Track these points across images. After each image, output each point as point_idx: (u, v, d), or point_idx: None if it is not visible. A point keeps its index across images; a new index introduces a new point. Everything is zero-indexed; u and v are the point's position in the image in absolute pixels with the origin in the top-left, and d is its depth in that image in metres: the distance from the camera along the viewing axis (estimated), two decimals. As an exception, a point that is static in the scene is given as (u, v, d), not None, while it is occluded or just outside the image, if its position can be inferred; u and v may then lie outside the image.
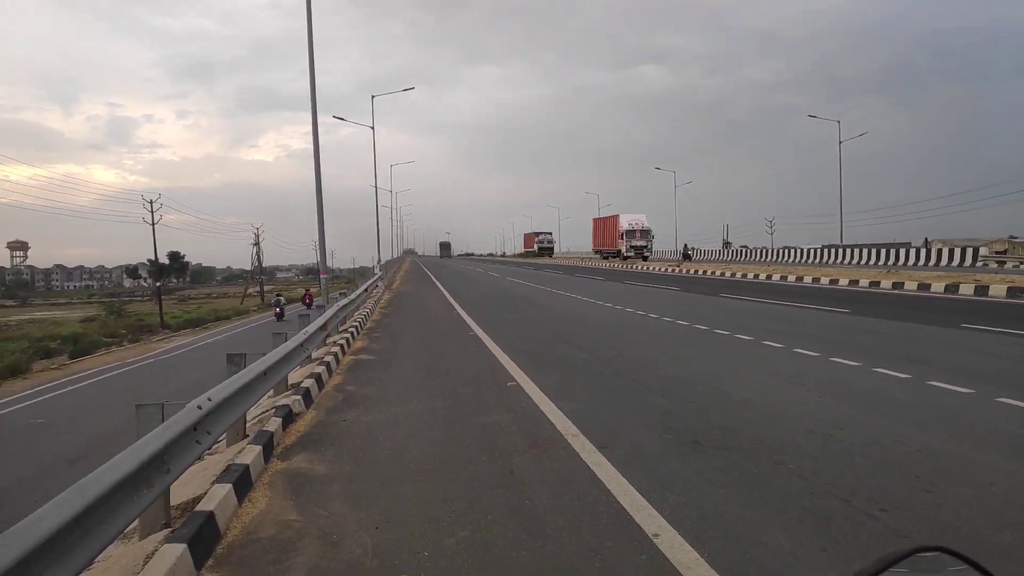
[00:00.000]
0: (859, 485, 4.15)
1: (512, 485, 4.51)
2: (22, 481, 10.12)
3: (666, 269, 41.35)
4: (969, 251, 36.56)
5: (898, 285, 20.74)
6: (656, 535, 3.56)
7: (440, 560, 3.43)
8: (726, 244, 78.14)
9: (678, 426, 5.74)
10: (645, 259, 54.27)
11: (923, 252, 39.82)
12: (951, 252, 37.55)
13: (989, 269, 30.13)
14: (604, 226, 63.15)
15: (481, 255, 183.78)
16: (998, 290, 17.36)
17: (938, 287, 19.18)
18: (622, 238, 57.09)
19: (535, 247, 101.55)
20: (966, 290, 18.22)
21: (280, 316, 35.53)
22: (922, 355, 8.77)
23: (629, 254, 56.30)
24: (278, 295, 42.18)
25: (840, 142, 41.81)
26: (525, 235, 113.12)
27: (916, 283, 20.30)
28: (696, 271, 36.79)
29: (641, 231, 57.16)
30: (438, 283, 34.68)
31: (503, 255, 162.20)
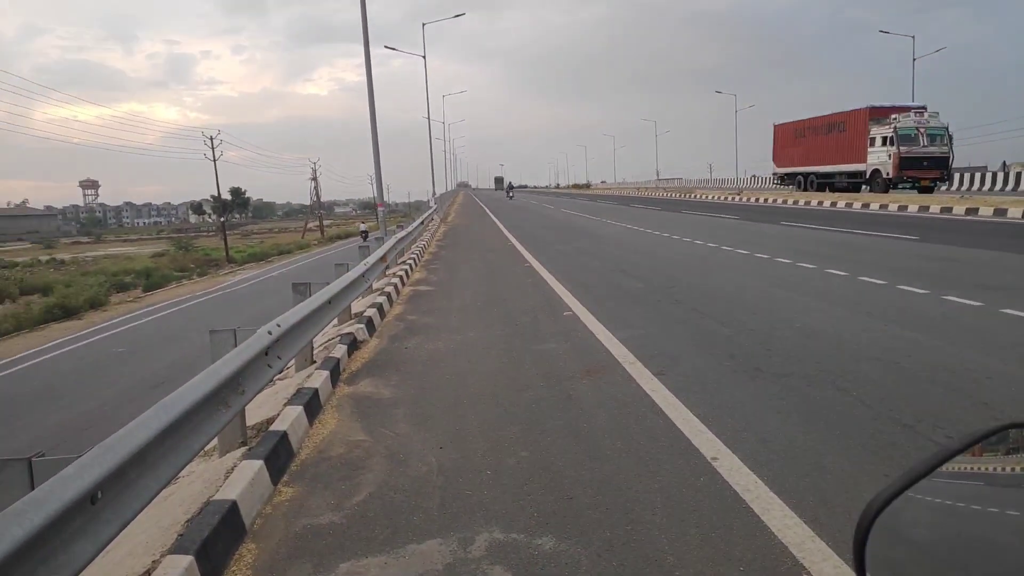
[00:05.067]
0: (925, 411, 4.08)
1: (570, 409, 4.59)
2: (107, 406, 10.81)
3: (725, 198, 40.33)
4: (1053, 173, 34.41)
5: (972, 211, 19.76)
6: (715, 459, 3.60)
7: (502, 478, 3.55)
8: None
9: (738, 353, 5.71)
10: (930, 190, 29.79)
11: (1001, 176, 37.71)
12: (1033, 175, 35.38)
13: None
14: (814, 131, 36.19)
15: (536, 187, 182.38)
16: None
17: (1015, 212, 18.20)
18: (881, 144, 30.50)
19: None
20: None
21: (365, 237, 36.91)
22: (996, 282, 8.42)
23: (900, 178, 29.92)
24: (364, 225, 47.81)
25: (914, 59, 39.22)
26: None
27: (992, 208, 19.30)
28: (756, 199, 35.76)
29: (930, 133, 29.84)
30: (493, 216, 34.66)
31: (557, 187, 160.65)
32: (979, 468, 0.90)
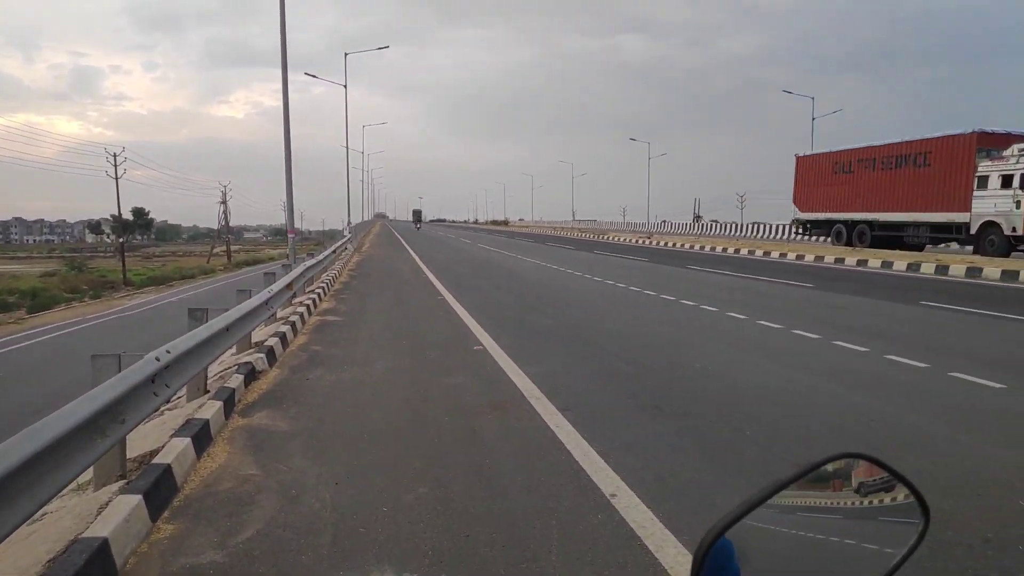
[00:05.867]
0: (815, 451, 4.24)
1: (474, 444, 4.53)
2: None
3: (636, 240, 41.58)
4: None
5: (863, 262, 21.11)
6: (613, 495, 3.62)
7: (399, 515, 3.44)
8: (697, 218, 78.76)
9: (640, 391, 5.81)
10: None
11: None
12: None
13: (950, 249, 30.86)
14: (870, 164, 26.98)
15: (454, 221, 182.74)
16: (958, 270, 17.77)
17: (900, 265, 19.57)
18: (999, 186, 21.20)
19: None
20: (927, 269, 18.61)
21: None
22: (882, 329, 8.97)
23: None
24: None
25: (813, 119, 41.97)
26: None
27: (880, 260, 20.68)
28: (665, 243, 37.05)
29: None
30: (408, 247, 34.45)
31: (476, 222, 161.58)
32: (810, 496, 0.95)
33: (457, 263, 23.51)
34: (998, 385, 5.85)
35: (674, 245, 35.47)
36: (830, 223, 29.33)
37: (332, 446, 4.58)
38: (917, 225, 24.76)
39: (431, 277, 17.51)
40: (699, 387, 5.97)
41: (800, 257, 23.82)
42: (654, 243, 38.17)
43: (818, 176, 30.05)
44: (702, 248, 31.79)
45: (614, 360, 7.16)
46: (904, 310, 11.05)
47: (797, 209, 31.67)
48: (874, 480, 0.98)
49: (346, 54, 37.06)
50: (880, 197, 26.09)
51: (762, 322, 9.39)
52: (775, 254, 25.73)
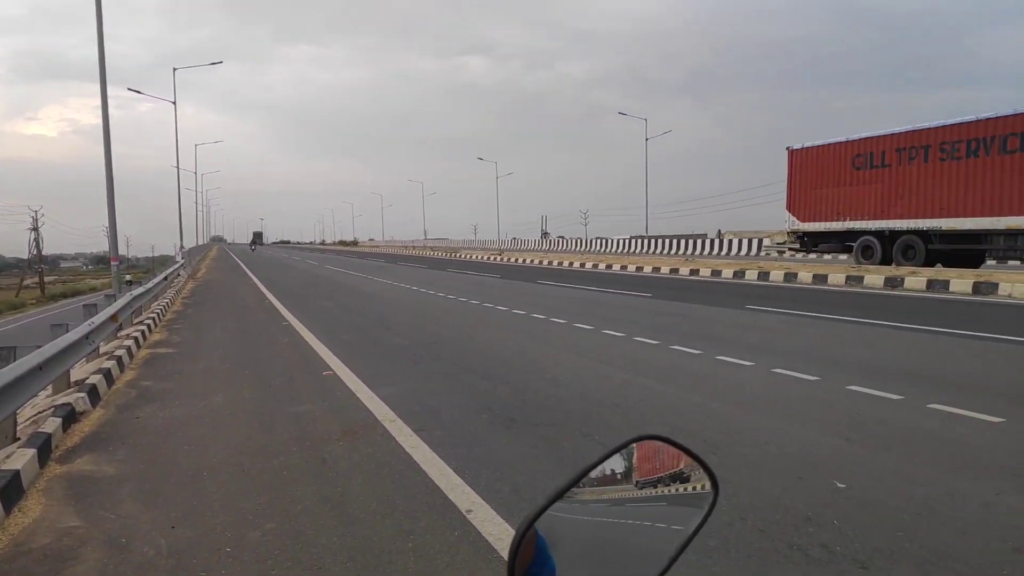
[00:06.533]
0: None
1: (323, 474, 4.36)
2: None
3: (488, 257, 42.20)
4: (755, 241, 40.99)
5: (695, 272, 22.70)
6: (469, 511, 3.61)
7: (244, 554, 3.23)
8: (544, 234, 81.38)
9: (495, 406, 5.87)
10: None
11: (717, 242, 44.05)
12: (740, 242, 41.90)
13: (770, 257, 33.93)
14: (915, 155, 20.06)
15: (300, 243, 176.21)
16: (776, 275, 19.57)
17: (728, 273, 21.25)
18: None
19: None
20: (751, 276, 20.34)
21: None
22: (712, 333, 9.66)
23: None
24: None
25: (647, 139, 44.76)
26: None
27: (710, 270, 22.34)
28: (516, 260, 37.89)
29: None
30: (249, 272, 32.79)
31: (323, 243, 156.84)
32: (614, 478, 1.00)
33: (303, 286, 22.68)
34: (812, 378, 6.48)
35: (524, 261, 36.36)
36: (849, 235, 22.26)
37: (166, 488, 4.23)
38: (1002, 235, 18.14)
39: (275, 302, 16.76)
40: (551, 397, 6.12)
41: (639, 269, 25.22)
42: (505, 260, 38.92)
43: (827, 174, 22.69)
44: (551, 263, 32.83)
45: (469, 376, 7.18)
46: (732, 314, 11.99)
47: (794, 218, 24.00)
48: (667, 459, 1.05)
49: (175, 69, 34.83)
50: (942, 197, 19.31)
51: (607, 331, 9.82)
52: (617, 267, 27.07)
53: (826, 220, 22.89)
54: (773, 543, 3.10)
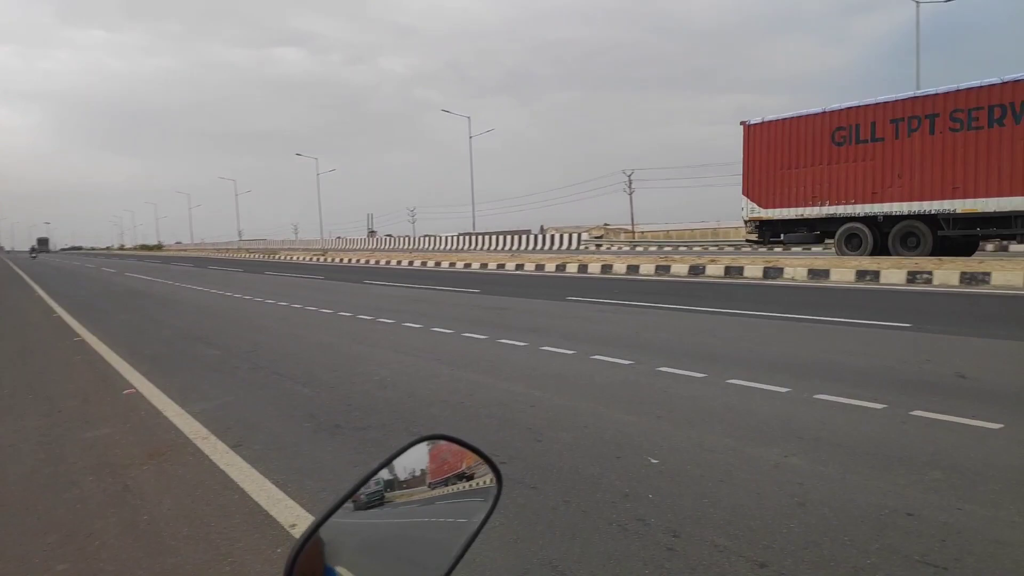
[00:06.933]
0: (483, 443, 4.51)
1: (127, 502, 3.96)
2: None
3: (310, 258, 40.73)
4: (575, 236, 43.05)
5: (520, 267, 23.38)
6: (294, 525, 3.44)
7: (26, 605, 2.85)
8: (371, 232, 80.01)
9: (320, 413, 5.65)
10: None
11: (540, 237, 45.72)
12: (561, 237, 43.81)
13: (589, 251, 35.74)
14: (916, 126, 17.50)
15: (95, 249, 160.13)
16: (594, 268, 20.63)
17: (550, 267, 22.10)
18: None
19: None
20: (571, 269, 21.29)
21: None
22: (537, 325, 9.99)
23: None
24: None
25: (471, 137, 45.46)
26: None
27: (534, 264, 23.11)
28: (341, 260, 36.89)
29: None
30: (33, 284, 29.17)
31: (122, 248, 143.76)
32: (395, 481, 1.01)
33: (99, 297, 20.54)
34: (627, 362, 6.89)
35: (350, 261, 35.51)
36: (828, 222, 19.72)
37: (-74, 539, 3.63)
38: None
39: (65, 316, 15.01)
40: (378, 399, 6.01)
41: (467, 265, 25.53)
42: (329, 260, 37.77)
43: (797, 152, 19.89)
44: (378, 262, 32.34)
45: (291, 384, 6.86)
46: (554, 306, 12.45)
47: (753, 204, 21.05)
48: (454, 458, 1.07)
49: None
50: (955, 175, 16.84)
51: (436, 329, 9.82)
52: (445, 264, 27.22)
53: (797, 205, 19.94)
54: (594, 521, 3.24)
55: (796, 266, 15.73)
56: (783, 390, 5.53)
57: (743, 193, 21.48)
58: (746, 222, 21.82)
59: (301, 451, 4.70)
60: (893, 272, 13.63)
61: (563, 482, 3.76)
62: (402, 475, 1.00)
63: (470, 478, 1.05)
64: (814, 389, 5.49)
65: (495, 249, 43.70)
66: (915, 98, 17.73)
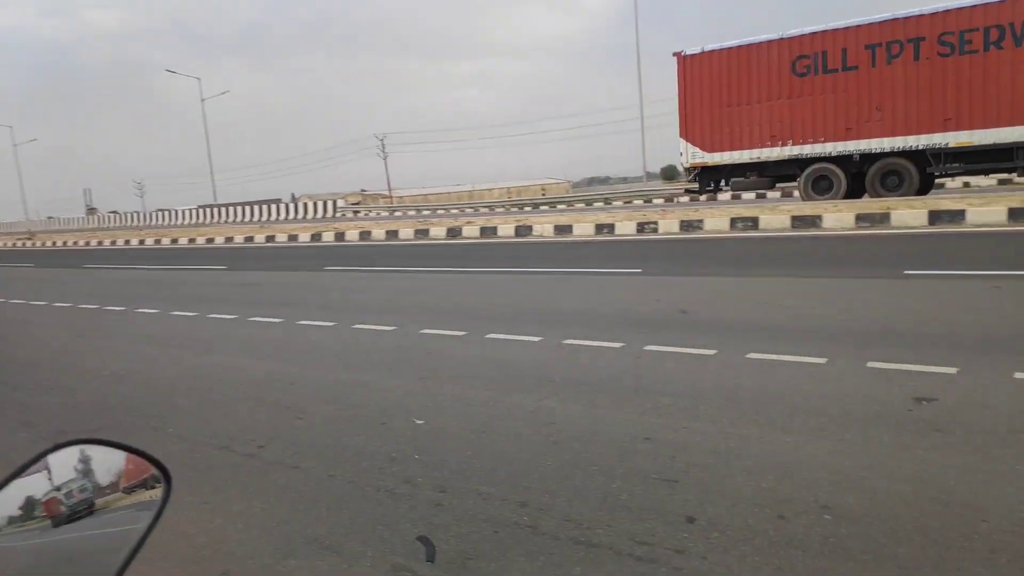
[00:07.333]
0: (238, 428, 4.23)
1: None
2: None
3: (14, 243, 34.97)
4: (330, 203, 41.67)
5: (271, 239, 22.12)
6: None
7: None
8: (91, 210, 70.69)
9: (36, 419, 4.87)
10: None
11: (292, 207, 43.60)
12: (315, 205, 42.15)
13: (347, 218, 34.93)
14: (911, 47, 15.67)
15: None
16: (352, 235, 20.19)
17: (305, 237, 21.20)
18: None
19: None
20: (328, 238, 20.62)
21: None
22: (293, 298, 9.53)
23: None
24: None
25: (203, 100, 41.69)
26: None
27: (287, 235, 22.00)
28: (55, 243, 32.14)
29: None
30: None
31: None
32: (34, 488, 0.90)
33: None
34: (390, 328, 6.85)
35: (66, 244, 31.03)
36: (793, 164, 17.46)
37: None
38: None
39: None
40: (112, 395, 5.33)
41: (210, 241, 23.60)
42: (40, 244, 32.71)
43: (748, 85, 17.56)
44: (101, 243, 28.69)
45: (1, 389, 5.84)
46: (311, 277, 11.99)
47: (694, 148, 18.47)
48: (109, 461, 0.98)
49: None
50: (947, 105, 15.41)
51: (176, 312, 8.94)
52: (184, 240, 24.90)
53: (751, 147, 17.61)
54: (362, 490, 3.18)
55: (544, 223, 16.76)
56: (536, 339, 5.85)
57: (681, 136, 18.51)
58: (686, 170, 19.10)
59: (13, 463, 4.01)
60: (670, 223, 15.09)
61: (327, 456, 3.63)
62: (44, 488, 0.88)
63: (134, 482, 0.97)
64: (563, 335, 5.88)
65: (243, 221, 40.90)
66: (895, 20, 15.79)
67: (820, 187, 17.07)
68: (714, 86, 17.91)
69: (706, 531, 2.56)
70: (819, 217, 12.61)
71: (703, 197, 21.75)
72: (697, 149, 18.34)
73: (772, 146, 17.36)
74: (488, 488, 3.07)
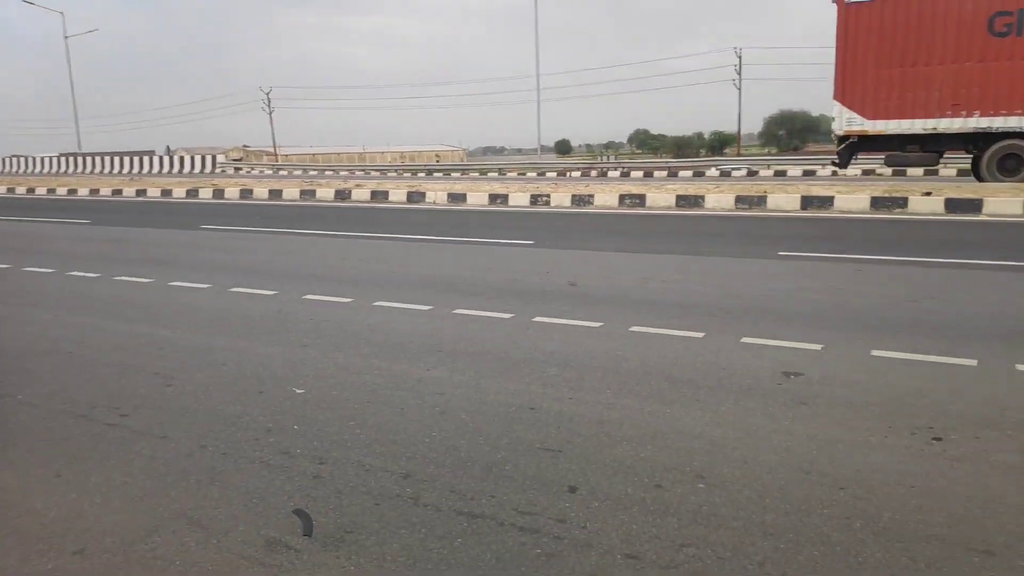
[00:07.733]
0: (100, 395, 3.91)
1: None
2: None
3: None
4: (209, 158, 39.34)
5: (142, 192, 20.67)
6: None
7: None
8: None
9: None
10: None
11: (167, 160, 40.83)
12: (193, 159, 39.67)
13: (227, 175, 33.06)
14: None
15: None
16: (232, 192, 19.16)
17: (180, 192, 19.93)
18: None
19: None
20: (205, 194, 19.47)
21: None
22: (165, 257, 8.94)
23: None
24: None
25: (66, 37, 38.05)
26: None
27: (159, 190, 20.60)
28: None
29: None
30: None
31: None
32: None
33: None
34: (270, 292, 6.55)
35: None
36: (974, 139, 15.12)
37: None
38: None
39: None
40: (-52, 358, 4.80)
41: (73, 192, 21.75)
42: None
43: (928, 44, 14.72)
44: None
45: None
46: (187, 235, 11.28)
47: (851, 113, 15.66)
48: None
49: None
50: None
51: (31, 269, 8.18)
52: (42, 190, 22.82)
53: (927, 116, 15.02)
54: (235, 462, 3.02)
55: (437, 191, 16.54)
56: (426, 308, 5.77)
57: (835, 98, 15.75)
58: (839, 139, 16.14)
59: None
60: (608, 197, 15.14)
61: (199, 426, 3.42)
62: None
63: None
64: (453, 304, 5.83)
65: (111, 173, 37.93)
66: None
67: (1007, 166, 14.62)
68: (884, 41, 15.02)
69: (587, 500, 2.61)
70: (701, 197, 13.14)
71: (842, 171, 19.25)
72: (855, 115, 15.54)
73: (954, 116, 14.81)
74: (370, 459, 3.00)
